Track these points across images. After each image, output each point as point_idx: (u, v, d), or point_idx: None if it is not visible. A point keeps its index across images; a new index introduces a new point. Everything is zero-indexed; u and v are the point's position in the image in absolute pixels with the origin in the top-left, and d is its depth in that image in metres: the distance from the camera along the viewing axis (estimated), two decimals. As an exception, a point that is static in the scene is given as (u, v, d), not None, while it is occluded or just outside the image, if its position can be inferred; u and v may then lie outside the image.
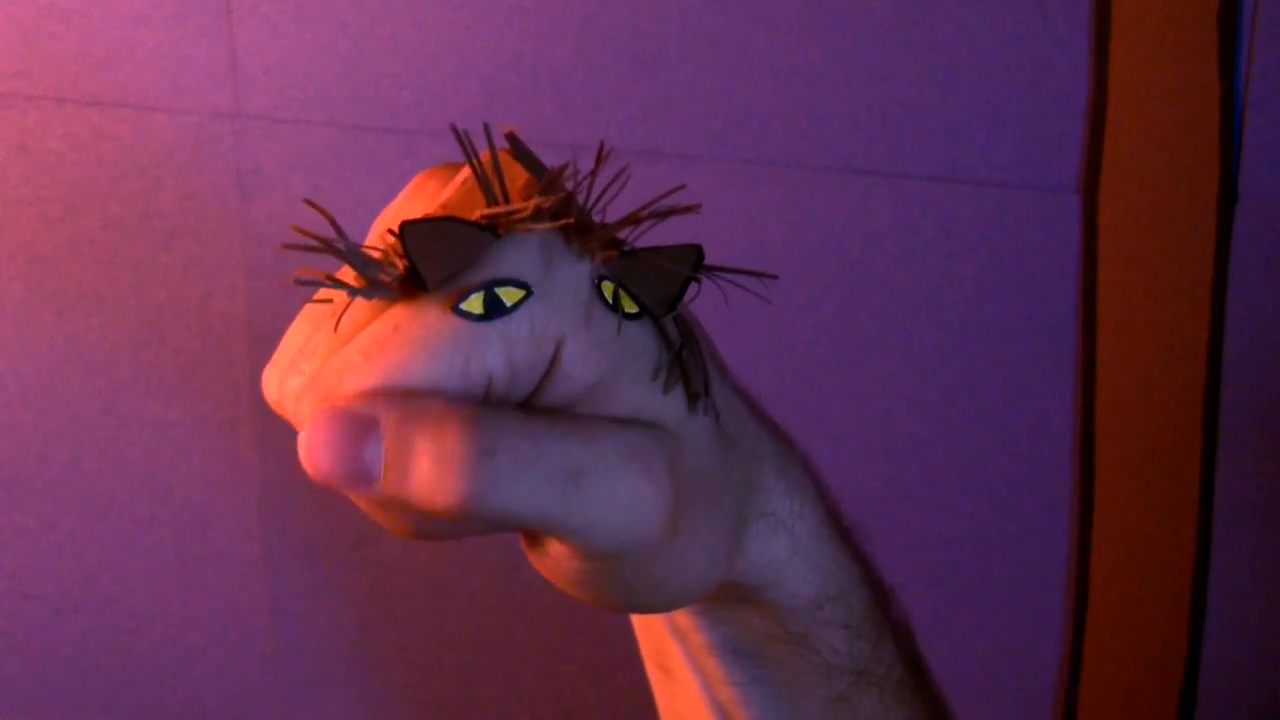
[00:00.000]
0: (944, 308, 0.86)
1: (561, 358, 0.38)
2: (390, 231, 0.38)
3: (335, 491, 0.37)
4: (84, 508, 1.00)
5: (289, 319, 0.41)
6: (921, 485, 0.89)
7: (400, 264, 0.38)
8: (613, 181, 0.40)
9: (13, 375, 0.98)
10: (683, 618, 0.47)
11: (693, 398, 0.40)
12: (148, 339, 0.96)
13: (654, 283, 0.39)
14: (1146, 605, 0.87)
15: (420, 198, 0.41)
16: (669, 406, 0.39)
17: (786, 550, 0.45)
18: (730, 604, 0.46)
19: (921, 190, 0.85)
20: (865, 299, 0.87)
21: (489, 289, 0.37)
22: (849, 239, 0.86)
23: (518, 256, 0.38)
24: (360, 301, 0.38)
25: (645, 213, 0.39)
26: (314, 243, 0.37)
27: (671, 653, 0.50)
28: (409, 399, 0.37)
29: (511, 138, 0.39)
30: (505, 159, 0.40)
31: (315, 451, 0.37)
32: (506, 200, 0.38)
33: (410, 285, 0.38)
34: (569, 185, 0.39)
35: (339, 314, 0.38)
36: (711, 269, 0.40)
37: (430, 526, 0.39)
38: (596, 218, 0.40)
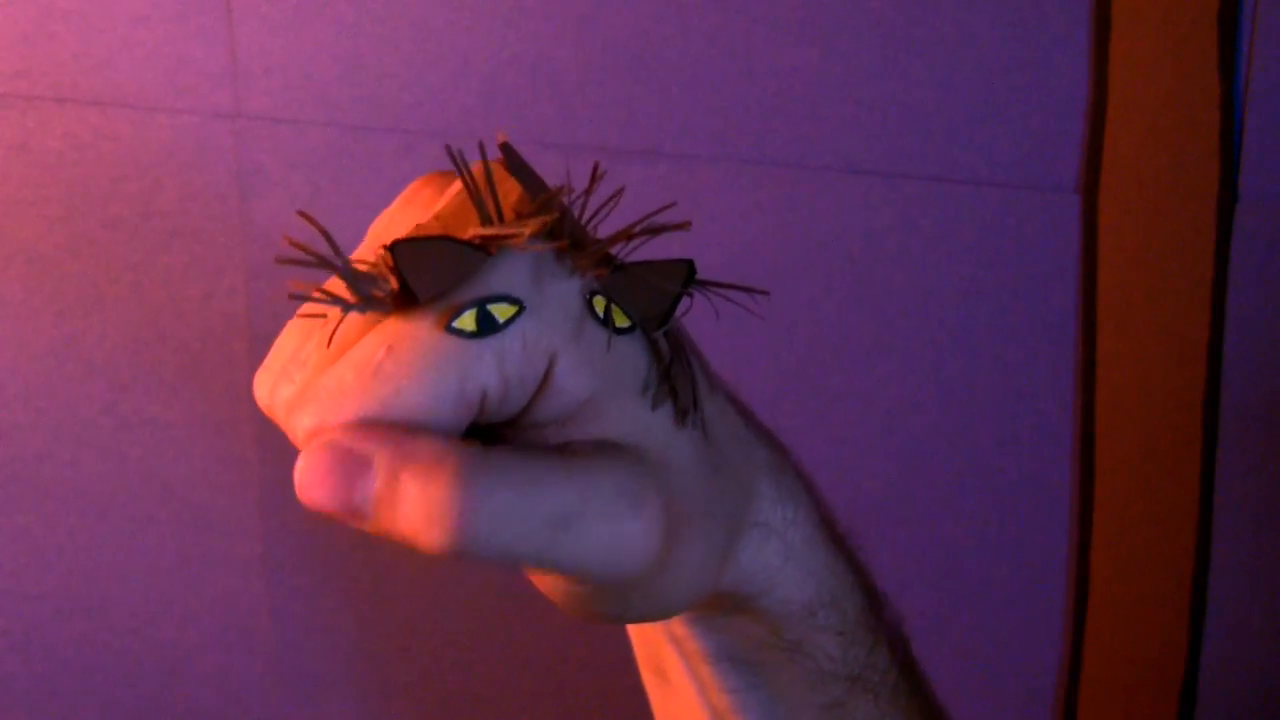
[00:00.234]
0: (944, 308, 0.86)
1: (554, 373, 0.38)
2: (383, 247, 0.38)
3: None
4: (84, 508, 1.00)
5: (289, 319, 0.41)
6: (921, 485, 0.89)
7: (393, 279, 0.38)
8: (611, 198, 0.40)
9: (13, 375, 0.98)
10: (677, 625, 0.47)
11: (682, 413, 0.40)
12: (148, 339, 0.96)
13: (645, 298, 0.39)
14: (1146, 605, 0.87)
15: (416, 205, 0.41)
16: (658, 422, 0.39)
17: (779, 558, 0.45)
18: (724, 612, 0.46)
19: (921, 190, 0.84)
20: (865, 299, 0.87)
21: (481, 306, 0.37)
22: (849, 239, 0.86)
23: (509, 272, 0.38)
24: (352, 314, 0.38)
25: (637, 229, 0.39)
26: (307, 257, 0.37)
27: (667, 658, 0.50)
28: (402, 438, 0.37)
29: (506, 149, 0.39)
30: (499, 172, 0.40)
31: (309, 484, 0.37)
32: (500, 216, 0.38)
33: (403, 299, 0.38)
34: (563, 201, 0.39)
35: (332, 329, 0.38)
36: (704, 284, 0.40)
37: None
38: (590, 229, 0.40)
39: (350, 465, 0.37)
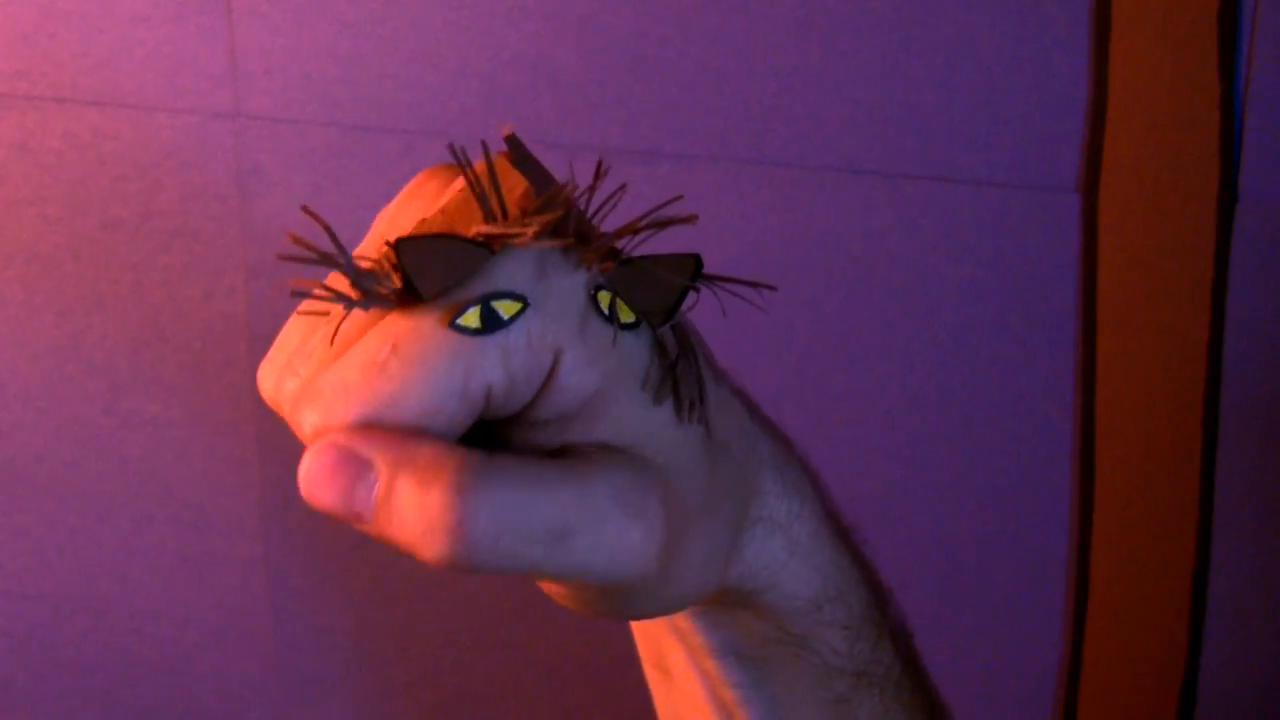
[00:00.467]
0: (944, 308, 0.86)
1: (559, 369, 0.38)
2: (387, 243, 0.38)
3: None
4: (84, 508, 1.00)
5: (289, 319, 0.41)
6: (921, 485, 0.89)
7: (396, 276, 0.38)
8: (613, 195, 0.40)
9: (13, 375, 0.98)
10: (682, 620, 0.47)
11: (686, 409, 0.40)
12: (148, 339, 0.96)
13: (652, 292, 0.39)
14: (1146, 605, 0.87)
15: (420, 199, 0.41)
16: (661, 418, 0.39)
17: (784, 552, 0.45)
18: (729, 607, 0.46)
19: (921, 190, 0.84)
20: (865, 299, 0.87)
21: (486, 303, 0.37)
22: (849, 239, 0.86)
23: (513, 268, 0.38)
24: (356, 310, 0.38)
25: (643, 223, 0.39)
26: (310, 254, 0.37)
27: (671, 654, 0.50)
28: (404, 445, 0.37)
29: (511, 140, 0.39)
30: (503, 167, 0.39)
31: (313, 485, 0.37)
32: (504, 212, 0.38)
33: (406, 296, 0.38)
34: (568, 197, 0.39)
35: (336, 325, 0.38)
36: (710, 278, 0.40)
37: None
38: (595, 224, 0.39)
39: (353, 467, 0.37)
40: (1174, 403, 0.84)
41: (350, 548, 0.98)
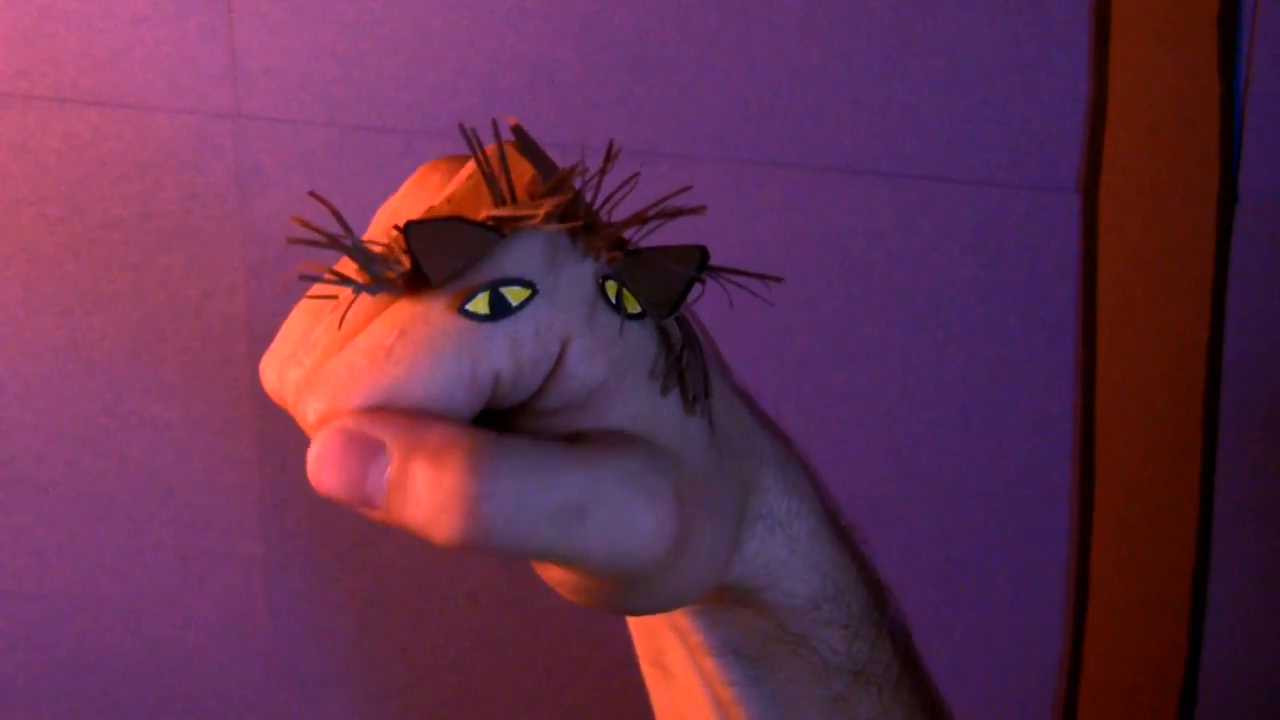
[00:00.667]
0: (944, 308, 0.86)
1: (566, 358, 0.38)
2: (395, 228, 0.38)
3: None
4: (84, 508, 1.00)
5: (291, 312, 0.41)
6: (921, 485, 0.89)
7: (405, 260, 0.38)
8: (624, 184, 0.39)
9: (13, 375, 0.98)
10: (681, 618, 0.47)
11: (691, 400, 0.39)
12: (148, 339, 0.96)
13: (658, 283, 0.39)
14: (1146, 605, 0.87)
15: (424, 190, 0.41)
16: (668, 409, 0.39)
17: (784, 550, 0.45)
18: (728, 605, 0.46)
19: (921, 190, 0.84)
20: (865, 299, 0.87)
21: (494, 289, 0.37)
22: (849, 239, 0.86)
23: (523, 255, 0.37)
24: (363, 295, 0.38)
25: (652, 213, 0.39)
26: (318, 237, 0.37)
27: (670, 651, 0.49)
28: (415, 425, 0.36)
29: (518, 130, 0.39)
30: (511, 153, 0.39)
31: (321, 470, 0.37)
32: (513, 197, 0.38)
33: (414, 281, 0.38)
34: (577, 183, 0.39)
35: (343, 310, 0.38)
36: (716, 270, 0.40)
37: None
38: (603, 216, 0.39)
39: (364, 450, 0.36)
40: (1174, 403, 0.84)
41: (350, 548, 0.98)
